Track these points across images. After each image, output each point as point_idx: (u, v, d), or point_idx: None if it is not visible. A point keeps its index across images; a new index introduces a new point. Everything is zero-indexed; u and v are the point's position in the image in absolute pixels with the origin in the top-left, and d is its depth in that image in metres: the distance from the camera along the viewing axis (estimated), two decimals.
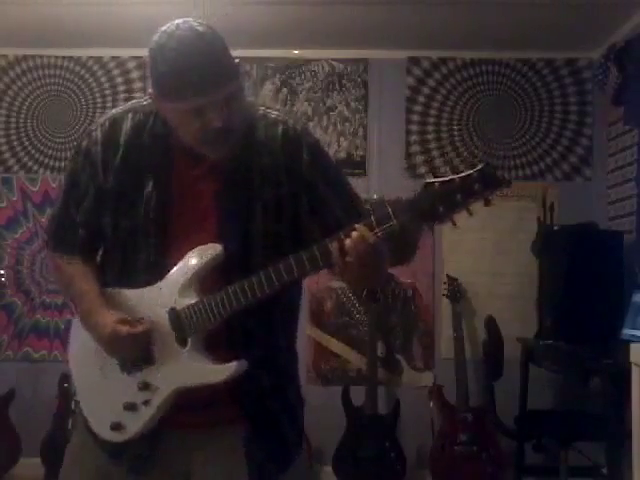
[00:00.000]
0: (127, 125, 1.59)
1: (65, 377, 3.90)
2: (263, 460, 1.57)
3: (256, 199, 1.55)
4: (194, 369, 1.51)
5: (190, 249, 1.52)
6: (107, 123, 1.61)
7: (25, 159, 4.51)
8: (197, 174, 1.57)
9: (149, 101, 1.59)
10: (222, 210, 1.55)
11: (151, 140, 1.58)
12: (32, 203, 4.46)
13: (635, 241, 3.75)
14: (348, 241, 1.35)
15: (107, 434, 1.58)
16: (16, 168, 4.51)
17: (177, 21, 1.45)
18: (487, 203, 1.29)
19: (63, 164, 4.48)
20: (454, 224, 1.30)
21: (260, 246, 1.54)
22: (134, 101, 1.67)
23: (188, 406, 1.54)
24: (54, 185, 4.46)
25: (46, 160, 4.50)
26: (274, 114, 1.61)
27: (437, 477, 3.94)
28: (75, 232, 1.64)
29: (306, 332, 4.29)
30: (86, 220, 1.62)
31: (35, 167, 4.51)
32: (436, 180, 1.29)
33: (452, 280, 4.21)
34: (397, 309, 4.37)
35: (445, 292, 4.22)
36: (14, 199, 4.48)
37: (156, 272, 1.54)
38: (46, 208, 4.43)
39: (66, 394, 3.93)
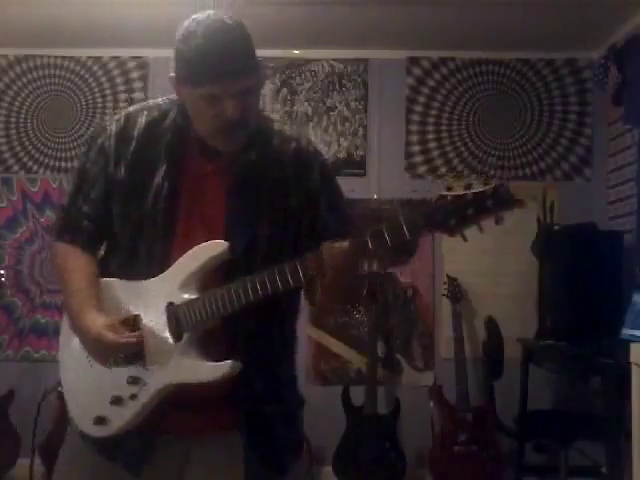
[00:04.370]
0: (142, 120, 1.63)
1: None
2: (261, 466, 1.55)
3: (263, 205, 1.57)
4: (186, 366, 1.49)
5: (194, 244, 1.52)
6: (122, 119, 1.65)
7: (25, 159, 4.51)
8: (208, 171, 1.59)
9: (166, 100, 1.65)
10: (230, 210, 1.57)
11: (165, 135, 1.60)
12: (32, 203, 4.47)
13: (635, 241, 3.74)
14: (328, 252, 1.37)
15: (90, 428, 1.56)
16: (16, 168, 4.51)
17: (209, 12, 1.50)
18: (498, 222, 1.29)
19: (63, 164, 4.49)
20: (464, 239, 1.32)
21: (263, 251, 1.55)
22: (151, 100, 1.70)
23: (186, 410, 1.52)
24: (54, 185, 4.46)
25: (46, 160, 4.51)
26: (289, 132, 1.68)
27: (437, 477, 3.94)
28: (80, 221, 1.64)
29: (306, 332, 4.29)
30: (93, 212, 1.63)
31: (35, 167, 4.51)
32: (449, 194, 1.29)
33: (452, 280, 4.21)
34: (397, 309, 4.37)
35: (445, 292, 4.22)
36: (14, 199, 4.48)
37: (159, 265, 1.55)
38: (46, 208, 4.44)
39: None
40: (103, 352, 1.51)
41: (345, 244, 1.37)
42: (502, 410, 3.87)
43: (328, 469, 4.06)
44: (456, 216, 1.28)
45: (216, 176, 1.59)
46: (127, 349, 1.49)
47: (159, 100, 1.67)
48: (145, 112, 1.64)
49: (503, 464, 3.89)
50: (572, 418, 3.86)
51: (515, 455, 3.95)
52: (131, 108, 1.68)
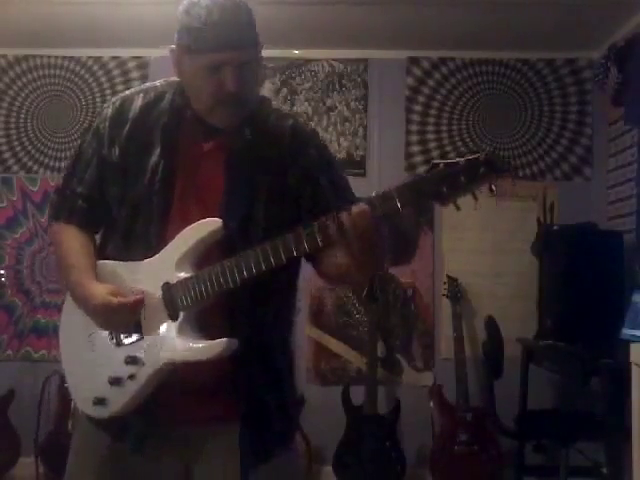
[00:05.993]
0: (137, 103, 1.64)
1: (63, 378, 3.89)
2: (252, 452, 1.55)
3: (260, 183, 1.57)
4: (183, 345, 1.48)
5: (191, 224, 1.52)
6: (118, 101, 1.66)
7: (25, 159, 4.52)
8: (206, 150, 1.59)
9: (163, 82, 1.66)
10: (227, 188, 1.57)
11: (161, 116, 1.61)
12: (32, 203, 4.47)
13: (635, 241, 3.75)
14: (347, 217, 1.32)
15: (89, 409, 1.58)
16: (16, 168, 4.51)
17: None
18: (492, 189, 1.26)
19: (63, 164, 4.48)
20: (457, 207, 1.28)
21: (261, 229, 1.54)
22: (148, 83, 1.71)
23: (186, 397, 1.53)
24: (54, 185, 4.45)
25: (46, 160, 4.51)
26: (286, 110, 1.71)
27: (437, 477, 3.94)
28: (74, 201, 1.65)
29: (306, 332, 4.29)
30: (87, 192, 1.64)
31: (35, 167, 4.51)
32: (441, 161, 1.27)
33: (452, 280, 4.21)
34: (397, 309, 4.37)
35: (445, 292, 4.22)
36: (14, 199, 4.48)
37: (156, 245, 1.55)
38: (46, 208, 4.43)
39: (64, 394, 3.93)
40: (111, 317, 1.51)
41: (363, 205, 1.31)
42: (502, 410, 3.86)
43: (328, 469, 4.06)
44: (448, 184, 1.25)
45: (213, 154, 1.59)
46: (135, 309, 1.50)
47: (156, 82, 1.68)
48: (141, 94, 1.65)
49: (503, 464, 3.90)
50: (572, 418, 3.86)
51: (515, 455, 3.96)
52: (128, 91, 1.69)
